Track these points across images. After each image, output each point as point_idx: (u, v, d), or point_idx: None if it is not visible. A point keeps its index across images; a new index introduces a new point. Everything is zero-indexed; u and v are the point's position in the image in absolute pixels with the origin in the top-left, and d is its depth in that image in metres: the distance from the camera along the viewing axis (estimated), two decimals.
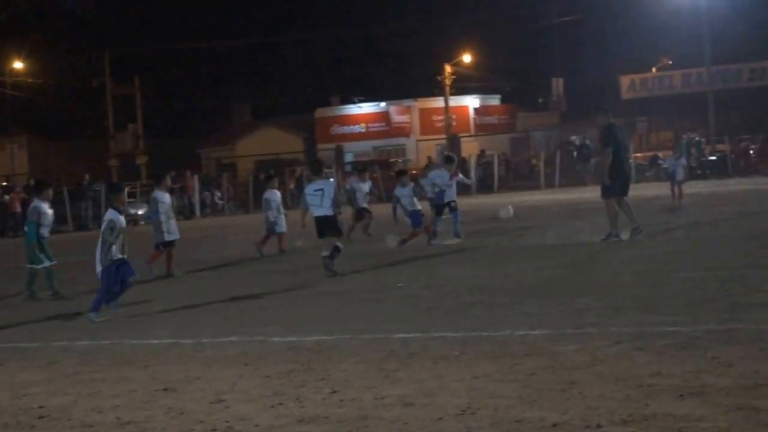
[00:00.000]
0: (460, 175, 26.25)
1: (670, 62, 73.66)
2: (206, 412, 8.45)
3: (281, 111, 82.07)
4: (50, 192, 19.13)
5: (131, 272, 14.83)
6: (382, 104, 73.71)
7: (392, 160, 62.78)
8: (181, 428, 8.06)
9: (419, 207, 22.80)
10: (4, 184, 55.75)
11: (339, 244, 18.19)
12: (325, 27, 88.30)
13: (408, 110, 73.20)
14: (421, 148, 66.73)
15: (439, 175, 23.63)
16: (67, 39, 76.09)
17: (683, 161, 33.65)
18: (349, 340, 11.37)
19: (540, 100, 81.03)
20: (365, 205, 26.95)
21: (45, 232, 18.22)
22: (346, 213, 23.70)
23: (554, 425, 7.23)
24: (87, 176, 53.48)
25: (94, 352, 11.97)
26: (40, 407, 9.07)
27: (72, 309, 15.82)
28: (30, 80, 71.97)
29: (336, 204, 18.11)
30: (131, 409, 8.77)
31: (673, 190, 31.05)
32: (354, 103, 75.78)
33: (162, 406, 8.77)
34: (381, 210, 28.98)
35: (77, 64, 71.56)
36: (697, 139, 54.25)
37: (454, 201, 23.37)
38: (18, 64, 70.99)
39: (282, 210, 23.80)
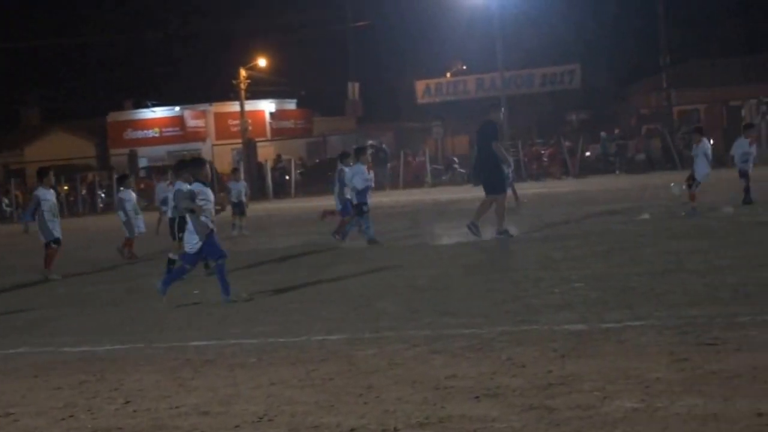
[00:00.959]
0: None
1: (464, 67, 75.09)
2: None
3: (73, 115, 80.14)
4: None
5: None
6: (177, 108, 72.78)
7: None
8: None
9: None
10: None
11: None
12: (120, 30, 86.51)
13: (203, 114, 72.56)
14: (217, 153, 66.22)
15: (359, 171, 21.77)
16: None
17: None
18: (142, 348, 11.12)
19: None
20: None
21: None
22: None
23: (352, 430, 7.20)
24: None
25: None
26: None
27: None
28: None
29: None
30: None
31: None
32: (147, 107, 74.59)
33: None
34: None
35: None
36: None
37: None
38: None
39: (139, 210, 23.17)
